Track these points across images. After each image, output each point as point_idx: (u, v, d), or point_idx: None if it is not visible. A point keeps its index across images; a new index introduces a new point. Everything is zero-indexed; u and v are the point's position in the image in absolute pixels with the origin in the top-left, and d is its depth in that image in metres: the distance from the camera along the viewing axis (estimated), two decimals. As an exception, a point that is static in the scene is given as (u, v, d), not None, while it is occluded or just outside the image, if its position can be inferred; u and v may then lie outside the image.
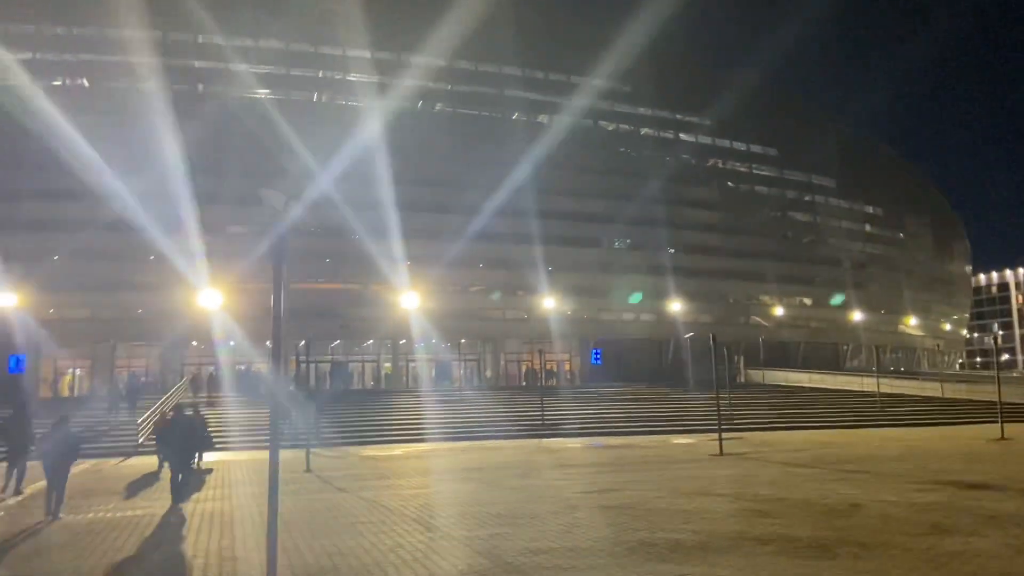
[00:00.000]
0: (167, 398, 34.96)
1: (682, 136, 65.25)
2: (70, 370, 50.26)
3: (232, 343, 45.14)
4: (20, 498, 16.57)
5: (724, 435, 25.48)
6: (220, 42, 49.63)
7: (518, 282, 54.30)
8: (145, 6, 44.30)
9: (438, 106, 57.13)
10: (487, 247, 51.92)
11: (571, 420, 36.24)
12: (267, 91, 51.11)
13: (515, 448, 28.11)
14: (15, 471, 17.33)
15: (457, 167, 51.76)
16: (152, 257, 43.76)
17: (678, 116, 64.84)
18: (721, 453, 23.51)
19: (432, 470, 22.21)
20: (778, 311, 64.59)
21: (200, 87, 52.31)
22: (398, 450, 28.32)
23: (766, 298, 65.70)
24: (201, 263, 43.37)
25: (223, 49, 49.62)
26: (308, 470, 20.50)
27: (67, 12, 49.19)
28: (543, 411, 35.63)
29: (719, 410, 26.51)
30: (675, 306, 56.80)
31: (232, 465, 23.04)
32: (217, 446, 25.44)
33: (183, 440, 17.14)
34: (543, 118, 58.40)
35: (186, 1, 45.01)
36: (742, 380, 53.73)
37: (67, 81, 50.40)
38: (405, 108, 51.31)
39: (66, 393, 47.77)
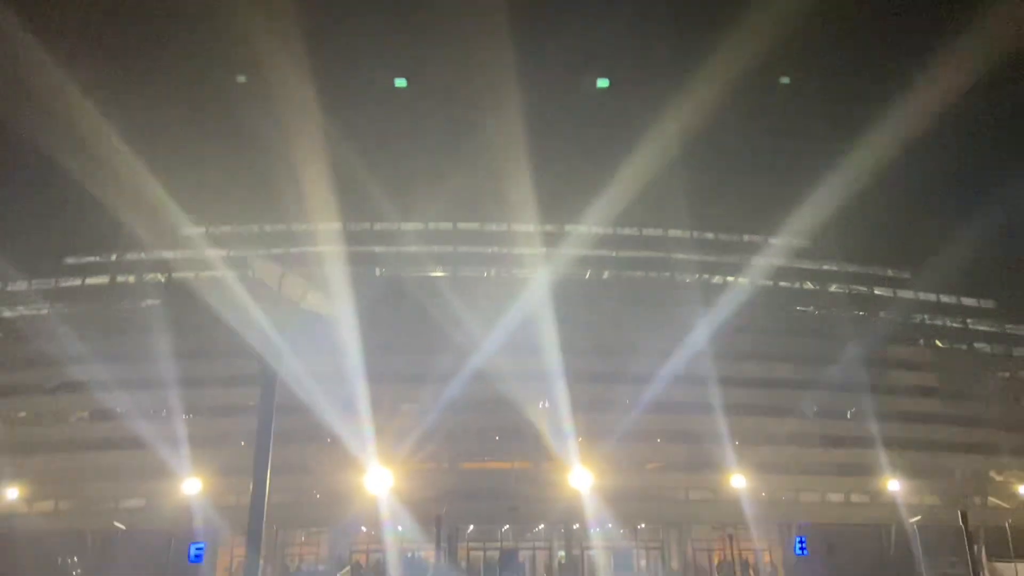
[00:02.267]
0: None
1: (877, 291, 59.11)
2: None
3: (400, 528, 43.36)
4: None
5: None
6: (395, 227, 52.08)
7: (702, 458, 48.19)
8: (329, 197, 47.36)
9: (605, 273, 55.81)
10: (664, 419, 47.80)
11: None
12: (438, 270, 52.36)
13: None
14: None
15: (628, 334, 48.90)
16: (329, 440, 43.73)
17: (870, 271, 59.18)
18: None
19: None
20: (1021, 489, 53.62)
21: (377, 271, 54.50)
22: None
23: (1001, 474, 55.06)
24: (372, 443, 42.89)
25: (398, 233, 51.94)
26: None
27: (262, 210, 53.74)
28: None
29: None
30: (892, 485, 48.27)
31: None
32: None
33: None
34: (717, 279, 55.21)
35: (365, 192, 47.71)
36: (989, 578, 43.89)
37: (253, 273, 54.26)
38: (572, 277, 50.44)
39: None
